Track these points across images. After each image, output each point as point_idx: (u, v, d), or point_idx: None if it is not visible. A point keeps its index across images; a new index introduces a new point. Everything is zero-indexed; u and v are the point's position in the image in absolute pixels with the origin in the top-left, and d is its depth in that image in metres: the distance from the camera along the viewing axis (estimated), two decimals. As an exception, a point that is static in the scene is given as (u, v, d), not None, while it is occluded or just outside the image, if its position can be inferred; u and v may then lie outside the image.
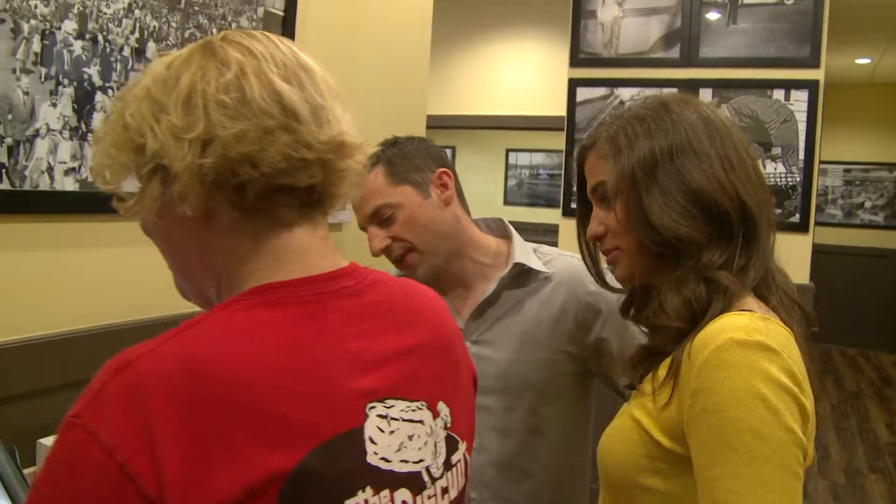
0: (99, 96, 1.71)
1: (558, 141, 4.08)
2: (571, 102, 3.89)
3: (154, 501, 0.66)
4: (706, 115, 1.13)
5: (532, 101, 5.00)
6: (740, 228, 1.08)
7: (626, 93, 3.79)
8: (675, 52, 3.74)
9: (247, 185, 0.78)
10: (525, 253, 1.51)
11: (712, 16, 3.67)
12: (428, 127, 3.03)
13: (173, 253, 0.87)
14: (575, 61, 3.90)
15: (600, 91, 3.84)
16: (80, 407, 0.70)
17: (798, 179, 3.54)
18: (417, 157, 1.51)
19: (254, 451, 0.70)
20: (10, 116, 1.53)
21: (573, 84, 3.89)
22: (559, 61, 4.20)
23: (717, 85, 3.64)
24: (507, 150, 9.13)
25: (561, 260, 1.54)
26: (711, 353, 0.97)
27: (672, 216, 1.06)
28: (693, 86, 3.66)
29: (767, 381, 0.95)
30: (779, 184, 3.57)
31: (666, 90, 3.26)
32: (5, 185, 1.53)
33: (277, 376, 0.73)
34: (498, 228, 1.61)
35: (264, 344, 0.75)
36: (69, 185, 1.66)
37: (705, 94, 3.68)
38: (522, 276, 1.48)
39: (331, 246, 0.86)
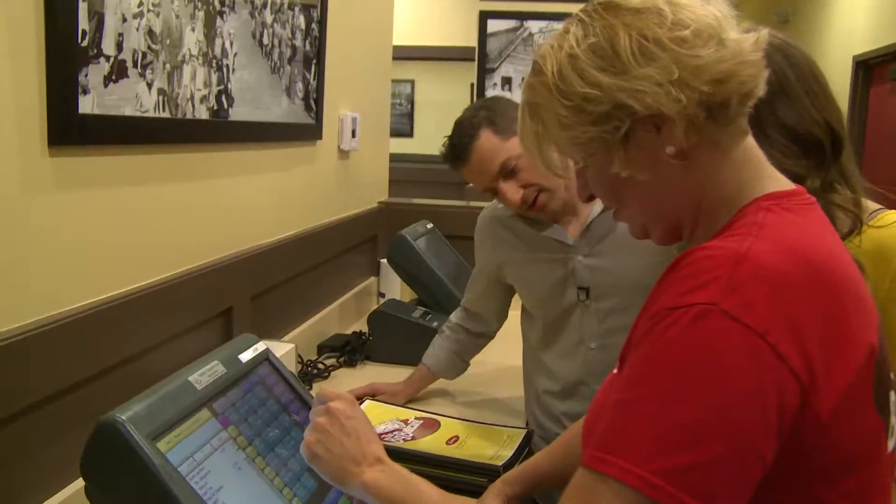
0: (219, 21, 1.64)
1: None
2: (482, 34, 4.01)
3: (804, 385, 0.72)
4: (787, 51, 1.22)
5: (442, 33, 5.01)
6: (831, 150, 1.20)
7: (535, 25, 3.97)
8: (581, -14, 3.93)
9: (728, 104, 0.83)
10: None
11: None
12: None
13: (645, 198, 0.90)
14: (485, -7, 4.02)
15: (510, 23, 4.00)
16: (709, 295, 0.72)
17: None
18: (510, 111, 1.63)
19: (861, 330, 0.77)
20: (167, 41, 1.45)
21: (483, 16, 4.01)
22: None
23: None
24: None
25: None
26: None
27: (776, 157, 1.11)
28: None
29: None
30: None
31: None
32: (166, 114, 1.46)
33: (850, 266, 0.83)
34: None
35: (825, 238, 0.84)
36: (202, 113, 1.60)
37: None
38: None
39: (766, 161, 0.92)
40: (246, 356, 1.15)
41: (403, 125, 8.43)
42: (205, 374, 1.04)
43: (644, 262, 1.59)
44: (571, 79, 0.85)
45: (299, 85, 2.10)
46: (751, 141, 0.89)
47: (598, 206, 1.62)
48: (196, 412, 0.98)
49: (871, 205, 1.27)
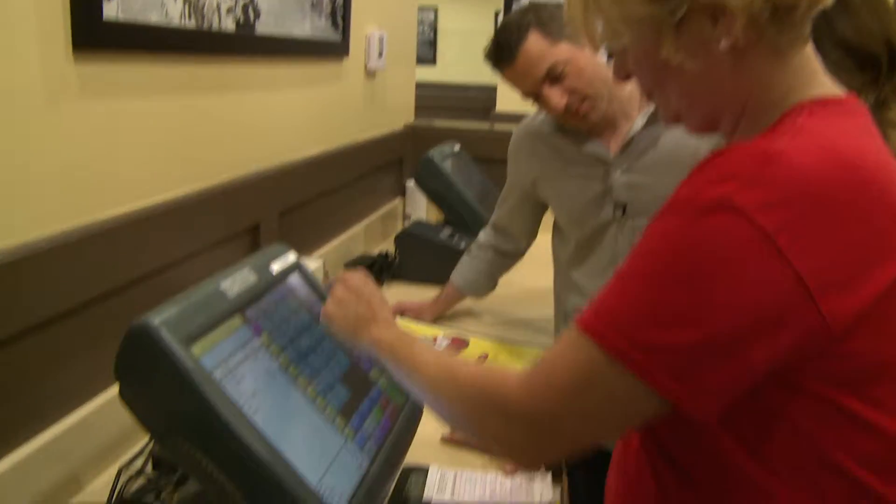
0: (244, -73, 1.59)
1: None
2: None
3: (812, 292, 0.69)
4: None
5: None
6: (888, 66, 1.12)
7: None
8: None
9: (796, 7, 0.78)
10: None
11: None
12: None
13: (688, 88, 0.86)
14: None
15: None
16: (725, 190, 0.70)
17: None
18: (559, 14, 1.58)
19: None
20: (192, -54, 1.41)
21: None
22: None
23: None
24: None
25: None
26: None
27: (829, 71, 1.05)
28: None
29: None
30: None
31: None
32: (192, 24, 1.43)
33: (888, 166, 0.79)
34: None
35: (871, 145, 0.80)
36: (228, 25, 1.56)
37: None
38: None
39: (821, 70, 0.88)
40: (277, 266, 1.14)
41: (426, 53, 8.31)
42: (236, 281, 1.03)
43: (684, 178, 1.56)
44: None
45: (326, 1, 2.04)
46: (809, 50, 0.85)
47: (639, 120, 1.58)
48: (228, 319, 0.97)
49: None
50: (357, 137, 2.43)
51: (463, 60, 7.35)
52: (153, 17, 1.30)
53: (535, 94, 1.59)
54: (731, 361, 0.72)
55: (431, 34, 8.42)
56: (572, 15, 0.90)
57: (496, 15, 7.57)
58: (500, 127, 3.15)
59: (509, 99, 4.16)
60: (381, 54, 2.52)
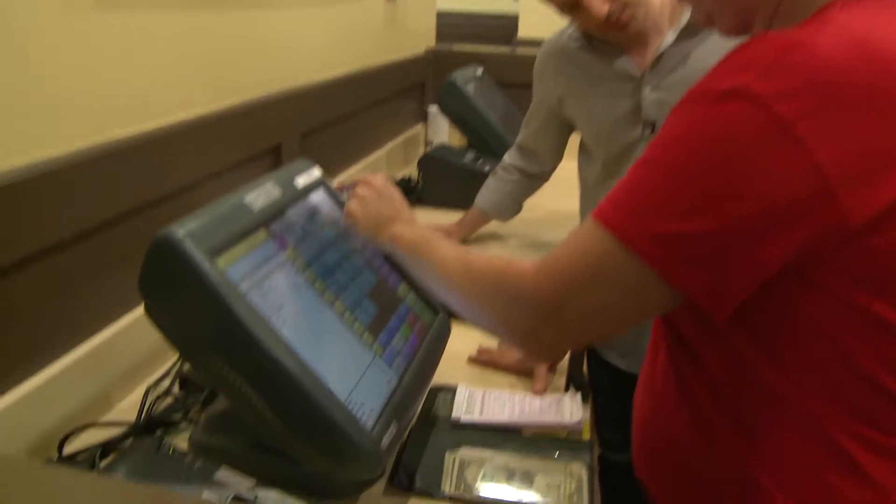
0: None
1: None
2: None
3: (831, 186, 0.67)
4: None
5: None
6: None
7: None
8: None
9: None
10: None
11: None
12: None
13: None
14: None
15: None
16: (744, 78, 0.68)
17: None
18: None
19: None
20: None
21: None
22: None
23: None
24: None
25: None
26: None
27: None
28: None
29: None
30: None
31: None
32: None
33: None
34: None
35: None
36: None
37: None
38: (694, 25, 1.52)
39: None
40: (301, 180, 1.11)
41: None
42: (260, 194, 1.00)
43: None
44: None
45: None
46: None
47: (670, 35, 1.52)
48: (253, 232, 0.95)
49: None
50: (378, 60, 2.37)
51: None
52: (168, -76, 1.25)
53: (573, 4, 1.51)
54: (746, 252, 0.70)
55: (450, -40, 8.21)
56: None
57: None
58: (523, 51, 3.07)
59: (532, 25, 4.07)
60: (402, -27, 2.44)
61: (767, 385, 0.79)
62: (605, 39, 1.55)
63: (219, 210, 0.93)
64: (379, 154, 2.38)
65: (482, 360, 1.34)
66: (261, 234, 0.96)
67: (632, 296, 0.77)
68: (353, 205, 1.09)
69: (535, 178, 1.86)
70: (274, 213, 1.00)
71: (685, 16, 1.51)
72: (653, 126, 1.53)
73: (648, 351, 0.99)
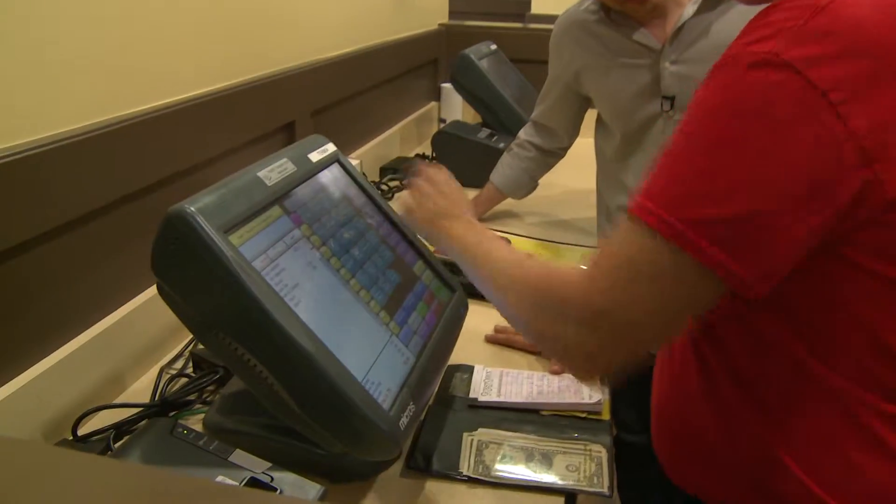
0: None
1: None
2: None
3: (869, 153, 0.65)
4: None
5: None
6: None
7: None
8: None
9: None
10: None
11: None
12: None
13: None
14: None
15: None
16: (774, 44, 0.65)
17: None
18: None
19: None
20: None
21: None
22: None
23: None
24: None
25: None
26: None
27: None
28: None
29: None
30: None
31: None
32: None
33: None
34: None
35: None
36: None
37: None
38: None
39: None
40: (316, 156, 1.08)
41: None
42: (274, 170, 0.98)
43: None
44: None
45: None
46: None
47: (690, 7, 1.48)
48: (267, 208, 0.93)
49: None
50: (391, 37, 2.34)
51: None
52: None
53: None
54: (791, 228, 0.67)
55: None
56: None
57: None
58: (536, 27, 3.03)
59: (545, 0, 4.01)
60: (414, -53, 2.40)
61: (795, 365, 0.78)
62: (623, 12, 1.52)
63: (232, 186, 0.91)
64: (392, 131, 2.36)
65: (499, 340, 1.32)
66: (275, 211, 0.94)
67: (681, 292, 0.72)
68: (410, 198, 1.08)
69: (551, 155, 1.83)
70: (288, 189, 0.98)
71: None
72: (672, 100, 1.50)
73: None
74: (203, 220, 0.82)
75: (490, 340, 1.32)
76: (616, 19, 1.54)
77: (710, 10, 1.48)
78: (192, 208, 0.82)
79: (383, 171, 2.20)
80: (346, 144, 2.03)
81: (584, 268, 0.78)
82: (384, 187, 2.07)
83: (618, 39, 1.54)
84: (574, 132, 1.80)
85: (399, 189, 2.09)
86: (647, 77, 1.52)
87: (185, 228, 0.82)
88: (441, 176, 1.10)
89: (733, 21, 1.47)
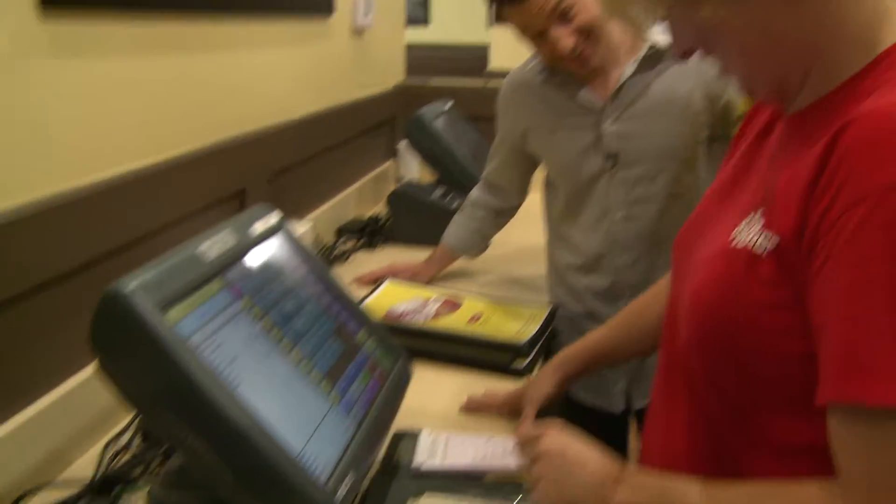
0: None
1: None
2: None
3: None
4: None
5: None
6: None
7: None
8: None
9: None
10: (654, 33, 1.55)
11: None
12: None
13: (745, 46, 0.77)
14: None
15: None
16: None
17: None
18: None
19: None
20: None
21: None
22: None
23: None
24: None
25: None
26: None
27: None
28: None
29: None
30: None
31: None
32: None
33: None
34: None
35: None
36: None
37: None
38: (654, 57, 1.55)
39: None
40: (259, 226, 1.10)
41: (418, 13, 8.13)
42: (215, 243, 0.99)
43: (676, 129, 1.53)
44: None
45: (308, -47, 1.98)
46: None
47: (629, 68, 1.53)
48: (207, 282, 0.94)
49: None
50: (346, 98, 2.38)
51: (456, 19, 7.20)
52: (123, -27, 1.25)
53: (538, 35, 1.51)
54: None
55: (424, -8, 8.22)
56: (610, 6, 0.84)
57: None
58: (493, 84, 3.09)
59: (503, 56, 4.10)
60: (368, 11, 2.45)
61: None
62: (566, 72, 1.57)
63: (171, 261, 0.92)
64: (349, 192, 2.39)
65: (473, 408, 1.32)
66: (215, 285, 0.95)
67: None
68: (540, 488, 0.92)
69: (502, 214, 1.86)
70: (229, 262, 0.99)
71: (644, 47, 1.53)
72: (615, 158, 1.54)
73: (657, 403, 0.98)
74: (139, 298, 0.83)
75: (465, 410, 1.32)
76: (560, 80, 1.59)
77: (649, 69, 1.53)
78: (129, 287, 0.83)
79: (339, 231, 2.22)
80: (301, 207, 2.05)
81: (826, 485, 0.70)
82: (340, 249, 2.08)
83: (561, 99, 1.59)
84: (524, 191, 1.84)
85: (354, 250, 2.11)
86: (590, 136, 1.56)
87: (120, 307, 0.83)
88: (558, 441, 0.92)
89: (671, 79, 1.53)
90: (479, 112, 2.68)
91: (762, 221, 0.77)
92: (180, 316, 0.86)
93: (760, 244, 0.76)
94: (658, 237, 1.58)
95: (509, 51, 3.83)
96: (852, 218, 0.64)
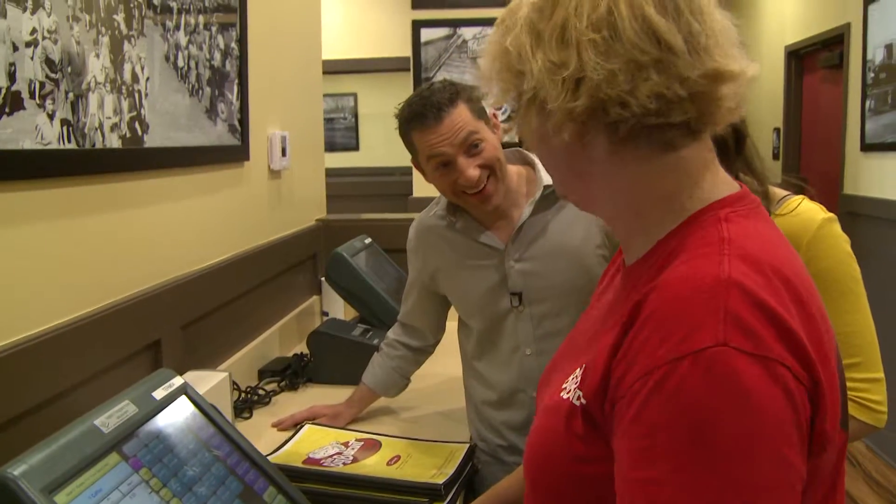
0: (126, 46, 1.59)
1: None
2: (416, 43, 4.00)
3: (817, 406, 0.68)
4: None
5: (379, 44, 4.95)
6: (734, 145, 1.28)
7: (468, 32, 3.98)
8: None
9: (619, 124, 0.76)
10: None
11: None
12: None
13: (567, 176, 0.86)
14: (417, 3, 4.01)
15: (444, 31, 3.99)
16: (713, 335, 0.66)
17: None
18: (480, 100, 1.60)
19: (830, 340, 0.75)
20: (69, 69, 1.40)
21: (417, 25, 4.00)
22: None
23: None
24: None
25: None
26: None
27: None
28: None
29: None
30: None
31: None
32: (72, 145, 1.41)
33: (806, 272, 0.78)
34: (518, 158, 1.73)
35: (782, 245, 0.79)
36: (114, 142, 1.55)
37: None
38: (549, 197, 1.62)
39: (715, 160, 0.85)
40: (160, 392, 1.10)
41: (349, 139, 8.34)
42: (113, 415, 0.99)
43: (575, 266, 1.59)
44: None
45: (221, 106, 2.05)
46: (700, 140, 0.81)
47: (528, 209, 1.60)
48: (103, 457, 0.93)
49: (778, 192, 1.36)
50: (265, 239, 2.41)
51: (385, 144, 7.39)
52: (26, 143, 1.27)
53: (446, 163, 1.57)
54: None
55: (353, 119, 8.47)
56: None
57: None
58: (415, 215, 3.16)
59: (426, 184, 4.21)
60: (284, 153, 2.52)
61: None
62: (469, 214, 1.63)
63: (67, 437, 0.92)
64: (272, 332, 2.38)
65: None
66: (112, 459, 0.95)
67: None
68: None
69: (419, 353, 1.88)
70: (128, 433, 0.99)
71: (540, 189, 1.60)
72: (520, 296, 1.59)
73: None
74: (25, 483, 0.82)
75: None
76: (464, 223, 1.65)
77: (546, 209, 1.60)
78: (16, 472, 0.83)
79: (261, 373, 2.20)
80: (221, 352, 2.04)
81: None
82: (261, 391, 2.06)
83: (466, 242, 1.65)
84: (439, 329, 1.87)
85: (276, 392, 2.09)
86: (495, 276, 1.61)
87: (8, 493, 0.82)
88: None
89: (569, 217, 1.60)
90: (400, 245, 2.73)
91: (579, 379, 0.80)
92: (72, 496, 0.86)
93: (577, 399, 0.79)
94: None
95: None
96: (642, 389, 0.68)
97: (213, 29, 2.00)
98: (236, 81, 2.14)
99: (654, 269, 0.77)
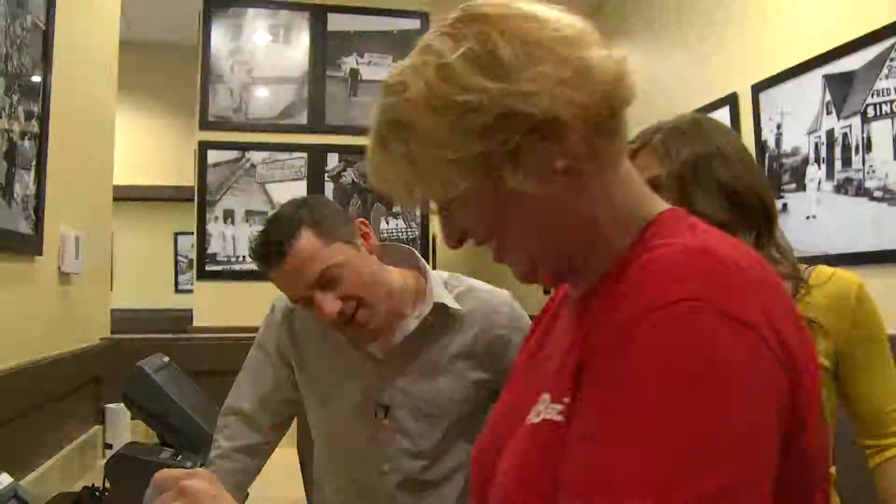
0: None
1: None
2: (203, 165, 3.82)
3: (792, 381, 0.66)
4: (718, 124, 1.41)
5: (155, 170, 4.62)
6: (764, 221, 1.33)
7: (257, 156, 3.86)
8: (302, 119, 3.95)
9: (615, 111, 0.78)
10: (440, 288, 1.55)
11: (335, 88, 3.99)
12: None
13: (534, 224, 0.80)
14: (204, 124, 3.85)
15: (232, 154, 3.85)
16: (691, 289, 0.65)
17: (417, 234, 4.01)
18: (334, 213, 1.48)
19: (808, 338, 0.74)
20: None
21: (203, 147, 3.83)
22: (186, 129, 3.97)
23: (343, 150, 3.95)
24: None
25: (474, 294, 1.59)
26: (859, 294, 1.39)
27: (700, 206, 1.26)
28: (321, 150, 3.93)
29: None
30: (400, 238, 3.98)
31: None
32: None
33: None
34: (407, 258, 1.62)
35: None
36: None
37: (332, 159, 3.96)
38: (439, 312, 1.52)
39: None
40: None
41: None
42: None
43: (451, 386, 1.50)
44: (446, 89, 0.74)
45: (17, 187, 1.75)
46: (627, 161, 0.83)
47: (411, 324, 1.48)
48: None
49: (800, 266, 1.38)
50: (35, 356, 1.97)
51: (138, 287, 6.88)
52: None
53: (305, 300, 1.42)
54: (773, 473, 0.64)
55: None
56: (391, 187, 0.82)
57: (175, 236, 7.23)
58: (201, 337, 2.91)
59: (206, 315, 3.90)
60: (77, 256, 2.21)
61: None
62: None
63: None
64: (47, 466, 1.97)
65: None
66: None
67: None
68: None
69: (257, 455, 1.64)
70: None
71: (429, 305, 1.49)
72: (387, 410, 1.48)
73: None
74: None
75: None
76: (346, 334, 1.54)
77: (430, 326, 1.53)
78: None
79: (42, 511, 1.81)
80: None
81: None
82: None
83: (342, 341, 1.53)
84: (286, 423, 1.70)
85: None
86: (365, 383, 1.51)
87: None
88: (202, 486, 0.78)
89: (447, 340, 1.54)
90: (190, 366, 2.45)
91: (549, 397, 0.77)
92: None
93: (557, 414, 0.75)
94: (420, 489, 1.53)
95: (211, 312, 3.69)
96: (613, 335, 0.67)
97: (15, 98, 1.73)
98: (34, 162, 1.86)
99: (613, 284, 0.74)
